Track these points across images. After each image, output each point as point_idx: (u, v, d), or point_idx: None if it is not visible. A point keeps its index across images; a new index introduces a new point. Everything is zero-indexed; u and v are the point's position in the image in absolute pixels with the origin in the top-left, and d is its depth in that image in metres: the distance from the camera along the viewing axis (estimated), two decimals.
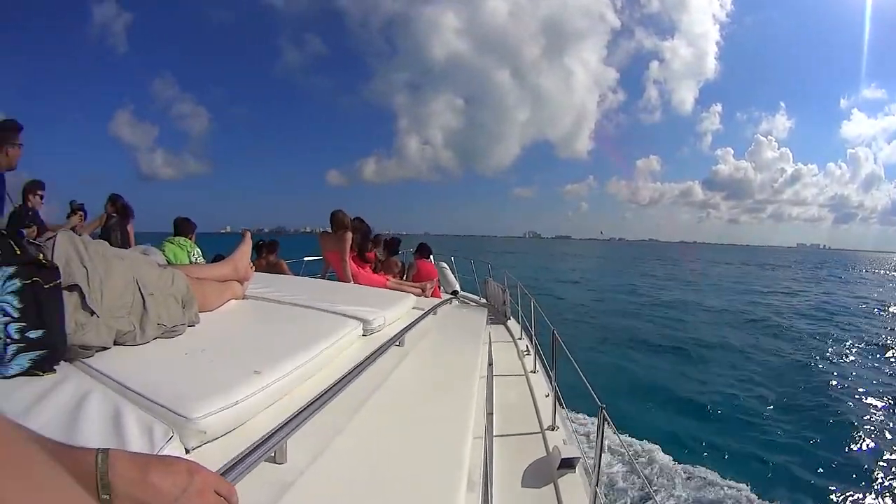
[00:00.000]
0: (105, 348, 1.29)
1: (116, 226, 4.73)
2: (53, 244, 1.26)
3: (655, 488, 5.58)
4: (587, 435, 5.51)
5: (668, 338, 14.76)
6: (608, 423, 1.92)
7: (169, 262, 1.84)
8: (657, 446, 6.60)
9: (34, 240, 1.27)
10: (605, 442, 2.11)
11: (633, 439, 6.73)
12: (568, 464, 1.95)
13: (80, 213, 4.58)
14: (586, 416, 6.51)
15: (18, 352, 1.06)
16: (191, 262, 4.12)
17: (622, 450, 5.48)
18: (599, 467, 1.96)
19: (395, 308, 2.37)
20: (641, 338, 14.58)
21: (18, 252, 1.12)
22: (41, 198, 4.35)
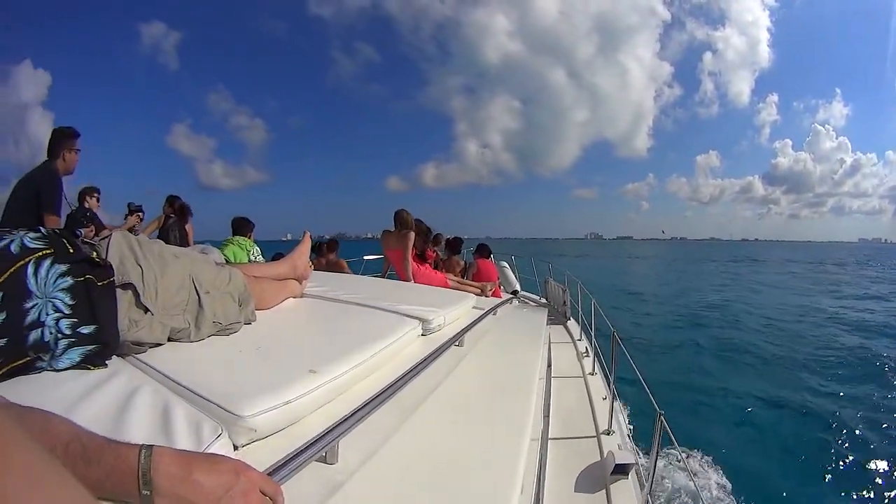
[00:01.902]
0: (159, 345, 1.29)
1: (174, 226, 4.84)
2: (108, 243, 1.28)
3: None
4: (643, 441, 5.31)
5: (758, 348, 12.75)
6: (666, 431, 1.83)
7: (228, 262, 1.86)
8: (718, 467, 6.15)
9: (91, 239, 1.29)
10: (662, 450, 2.03)
11: (693, 451, 6.35)
12: (621, 470, 1.86)
13: (139, 214, 4.71)
14: (644, 422, 6.18)
15: (69, 346, 1.06)
16: (250, 262, 4.19)
17: (678, 461, 5.19)
18: (654, 476, 1.90)
19: (455, 308, 2.32)
20: (722, 347, 12.88)
21: (72, 251, 1.13)
22: (97, 200, 4.59)
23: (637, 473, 2.00)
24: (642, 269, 49.95)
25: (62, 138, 3.20)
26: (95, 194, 4.58)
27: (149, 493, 0.64)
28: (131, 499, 0.65)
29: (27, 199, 3.00)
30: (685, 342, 13.38)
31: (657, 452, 1.87)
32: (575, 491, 1.69)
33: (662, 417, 1.83)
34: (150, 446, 0.68)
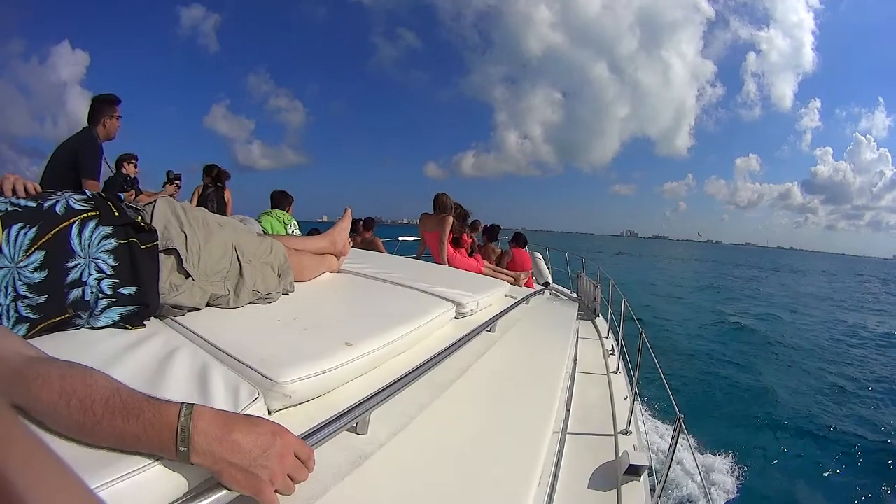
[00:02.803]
0: (197, 309, 1.32)
1: (213, 195, 4.87)
2: (153, 209, 1.31)
3: None
4: (659, 444, 5.23)
5: (803, 365, 11.87)
6: (683, 435, 1.81)
7: (265, 233, 1.89)
8: (734, 478, 5.97)
9: (133, 203, 1.31)
10: (679, 454, 2.02)
11: (713, 457, 6.19)
12: (634, 471, 1.83)
13: (177, 182, 4.68)
14: (663, 424, 6.14)
15: (109, 306, 1.09)
16: (287, 235, 4.24)
17: (693, 468, 5.09)
18: (666, 479, 1.88)
19: (488, 294, 2.32)
20: (761, 360, 12.04)
21: (117, 214, 1.16)
22: (135, 167, 4.68)
23: (650, 476, 1.99)
24: (680, 272, 48.38)
25: (103, 104, 3.24)
26: (133, 161, 4.67)
27: (185, 449, 0.66)
28: (167, 454, 0.67)
29: (66, 164, 3.04)
30: (717, 351, 12.79)
31: (672, 456, 1.85)
32: (588, 487, 1.69)
33: (682, 421, 1.80)
34: (191, 405, 0.70)
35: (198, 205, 4.83)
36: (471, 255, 5.07)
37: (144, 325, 1.16)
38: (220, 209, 4.82)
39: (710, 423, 7.48)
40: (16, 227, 0.98)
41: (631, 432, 2.21)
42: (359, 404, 0.98)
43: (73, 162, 3.01)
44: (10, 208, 1.01)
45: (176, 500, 0.66)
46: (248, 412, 0.83)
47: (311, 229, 4.92)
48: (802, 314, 21.23)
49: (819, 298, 30.20)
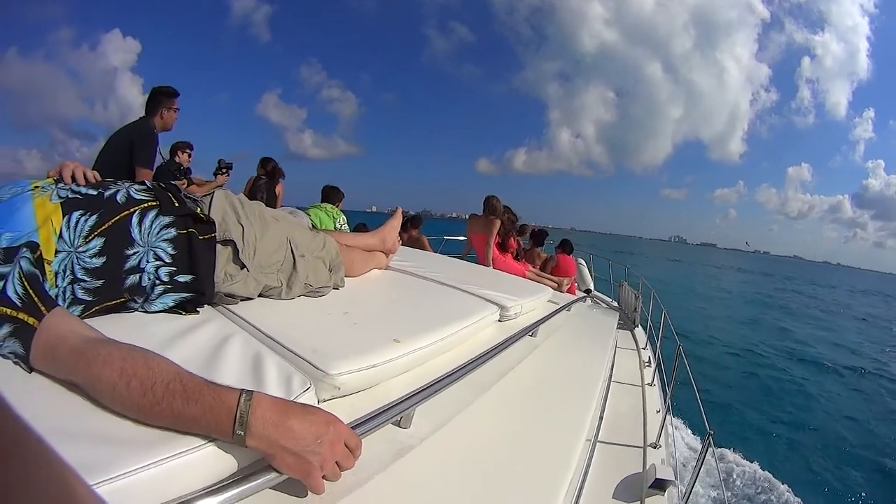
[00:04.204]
0: (249, 299, 1.36)
1: (263, 187, 4.84)
2: (211, 200, 1.35)
3: None
4: (688, 460, 5.07)
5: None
6: (712, 452, 1.77)
7: (314, 227, 1.94)
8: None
9: (186, 192, 1.35)
10: (704, 470, 1.97)
11: (740, 473, 5.93)
12: (659, 485, 1.79)
13: (227, 171, 4.63)
14: (694, 437, 5.94)
15: (165, 292, 1.14)
16: (336, 229, 4.28)
17: (719, 486, 4.88)
18: (689, 496, 1.84)
19: (532, 298, 2.32)
20: (812, 388, 10.72)
21: (177, 204, 1.20)
22: (189, 156, 4.74)
23: (675, 492, 1.95)
24: (733, 283, 45.87)
25: (161, 97, 3.30)
26: (188, 150, 4.74)
27: (242, 433, 0.69)
28: (223, 436, 0.71)
29: (121, 151, 3.09)
30: (770, 374, 11.64)
31: (698, 472, 1.82)
32: (612, 497, 1.68)
33: (711, 438, 1.77)
34: (251, 391, 0.73)
35: (248, 194, 4.90)
36: (516, 258, 5.04)
37: (198, 312, 1.20)
38: (270, 201, 4.83)
39: (743, 445, 7.11)
40: (76, 214, 1.03)
41: (660, 446, 2.18)
42: (405, 399, 1.01)
43: (128, 151, 3.07)
44: (70, 195, 1.05)
45: (226, 479, 0.70)
46: (299, 401, 0.86)
47: (359, 224, 4.97)
48: (867, 337, 19.67)
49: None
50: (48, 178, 1.15)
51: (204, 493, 0.65)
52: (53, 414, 0.72)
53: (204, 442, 0.71)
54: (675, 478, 1.86)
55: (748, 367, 12.09)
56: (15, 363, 0.80)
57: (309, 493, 0.75)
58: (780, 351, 14.31)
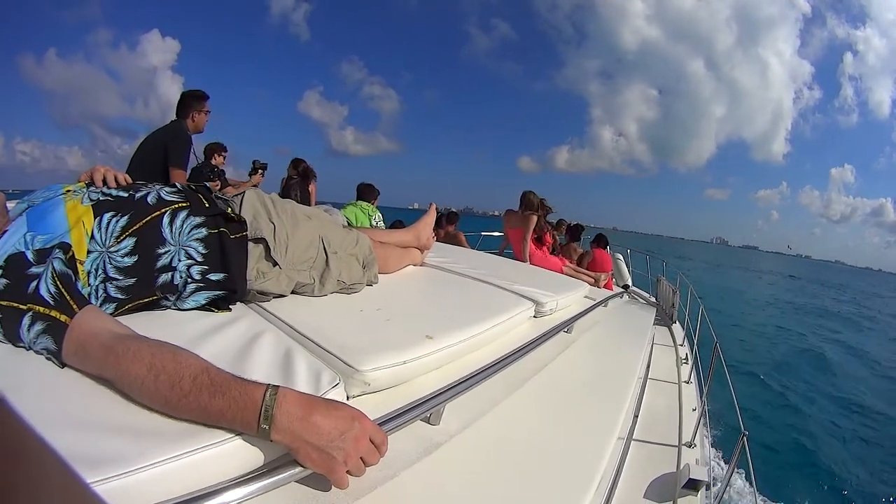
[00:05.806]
0: (282, 296, 1.37)
1: (296, 186, 4.85)
2: (241, 199, 1.37)
3: None
4: (724, 459, 4.87)
5: None
6: (746, 453, 1.71)
7: (350, 225, 1.95)
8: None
9: (220, 194, 1.37)
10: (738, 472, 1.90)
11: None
12: (693, 485, 1.73)
13: (262, 171, 4.67)
14: (730, 438, 5.65)
15: (197, 290, 1.15)
16: (371, 226, 4.31)
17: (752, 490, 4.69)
18: (722, 496, 1.79)
19: (568, 294, 2.28)
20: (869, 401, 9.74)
21: (207, 205, 1.22)
22: (224, 158, 4.84)
23: (708, 493, 1.89)
24: (780, 289, 42.97)
25: (192, 100, 3.36)
26: (223, 153, 4.83)
27: (267, 427, 0.70)
28: (248, 430, 0.71)
29: (155, 153, 3.15)
30: (821, 388, 10.59)
31: (731, 473, 1.77)
32: (643, 496, 1.64)
33: (745, 439, 1.71)
34: (277, 386, 0.74)
35: (281, 194, 4.93)
36: (553, 253, 4.99)
37: (230, 309, 1.22)
38: (304, 200, 4.84)
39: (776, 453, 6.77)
40: (107, 216, 1.06)
41: (695, 445, 2.11)
42: (435, 395, 1.00)
43: (162, 153, 3.13)
44: (101, 198, 1.09)
45: (252, 473, 0.70)
46: (328, 396, 0.86)
47: (395, 221, 5.00)
48: None
49: None
50: (80, 182, 1.19)
51: (229, 486, 0.66)
52: (84, 407, 0.74)
53: (230, 436, 0.72)
54: (709, 479, 1.81)
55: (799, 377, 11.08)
56: (48, 359, 0.83)
57: (333, 487, 0.75)
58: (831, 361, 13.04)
